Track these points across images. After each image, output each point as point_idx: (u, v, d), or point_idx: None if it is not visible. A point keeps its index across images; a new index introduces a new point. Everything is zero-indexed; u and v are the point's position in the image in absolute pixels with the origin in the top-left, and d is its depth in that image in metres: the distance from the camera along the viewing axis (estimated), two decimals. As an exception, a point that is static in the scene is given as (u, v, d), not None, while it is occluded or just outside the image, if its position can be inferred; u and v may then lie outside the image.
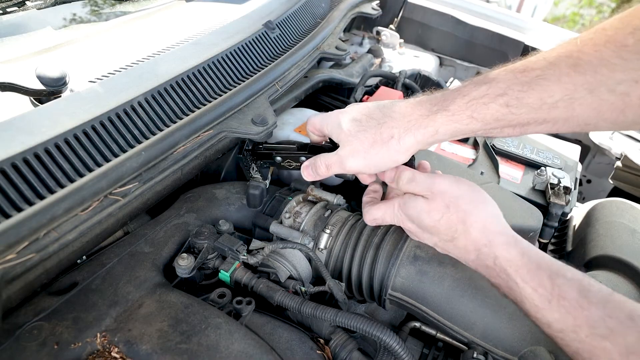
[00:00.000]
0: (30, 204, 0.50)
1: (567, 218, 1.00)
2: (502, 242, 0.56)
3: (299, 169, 0.77)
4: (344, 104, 1.15)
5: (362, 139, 0.63)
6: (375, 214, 0.67)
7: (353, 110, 0.66)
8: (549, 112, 0.54)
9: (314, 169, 0.69)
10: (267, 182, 0.82)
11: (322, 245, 0.74)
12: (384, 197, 0.73)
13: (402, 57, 1.53)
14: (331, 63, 1.24)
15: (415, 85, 1.23)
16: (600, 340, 0.45)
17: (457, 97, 0.59)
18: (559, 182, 0.90)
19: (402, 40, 1.62)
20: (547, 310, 0.49)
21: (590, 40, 0.52)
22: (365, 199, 0.72)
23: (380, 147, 0.62)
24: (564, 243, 0.97)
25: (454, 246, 0.60)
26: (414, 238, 0.67)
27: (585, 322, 0.46)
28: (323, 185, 0.97)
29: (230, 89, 0.79)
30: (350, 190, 0.96)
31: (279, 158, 0.76)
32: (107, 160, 0.59)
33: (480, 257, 0.57)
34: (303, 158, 0.74)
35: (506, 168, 0.99)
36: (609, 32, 0.51)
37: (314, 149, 0.73)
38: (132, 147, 0.62)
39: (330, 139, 0.69)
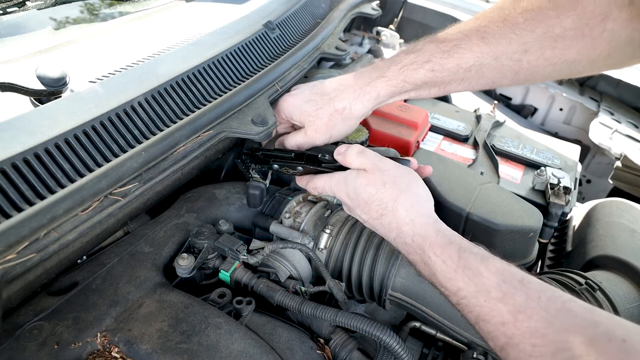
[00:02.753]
0: (31, 204, 0.50)
1: (567, 218, 1.00)
2: (422, 222, 0.63)
3: (296, 174, 0.77)
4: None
5: (321, 116, 0.75)
6: (317, 183, 0.73)
7: (304, 92, 0.79)
8: (465, 74, 0.70)
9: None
10: (267, 182, 0.83)
11: (322, 245, 0.74)
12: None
13: (402, 57, 1.53)
14: (331, 63, 1.24)
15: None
16: (496, 303, 0.51)
17: (392, 65, 0.73)
18: (559, 182, 0.90)
19: (402, 41, 1.63)
20: (454, 279, 0.55)
21: (493, 17, 0.68)
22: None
23: (337, 117, 0.75)
24: (564, 243, 0.97)
25: (380, 224, 0.66)
26: (348, 212, 0.73)
27: (484, 288, 0.52)
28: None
29: (230, 89, 0.79)
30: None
31: (276, 165, 0.77)
32: (107, 160, 0.59)
33: (400, 235, 0.63)
34: (300, 168, 0.75)
35: (506, 168, 0.99)
36: (505, 11, 0.67)
37: (310, 158, 0.75)
38: (132, 147, 0.62)
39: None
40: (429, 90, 0.74)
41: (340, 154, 0.71)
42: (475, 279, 0.54)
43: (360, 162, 0.68)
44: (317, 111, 0.75)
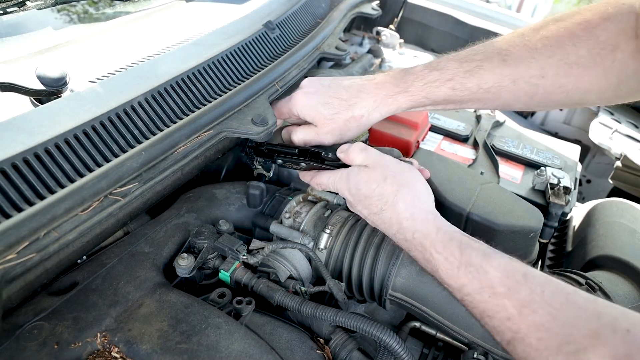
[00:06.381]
0: (31, 204, 0.50)
1: (567, 218, 1.00)
2: (422, 218, 0.63)
3: (299, 170, 0.78)
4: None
5: (337, 120, 0.74)
6: (321, 179, 0.74)
7: (319, 92, 0.76)
8: (483, 94, 0.71)
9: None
10: (271, 173, 0.83)
11: (322, 245, 0.74)
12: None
13: (402, 57, 1.53)
14: (331, 63, 1.24)
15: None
16: (500, 298, 0.51)
17: (415, 81, 0.73)
18: (559, 182, 0.90)
19: (402, 41, 1.63)
20: (457, 276, 0.56)
21: (514, 41, 0.70)
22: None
23: (353, 124, 0.75)
24: (564, 243, 0.97)
25: (380, 219, 0.66)
26: (350, 208, 0.73)
27: (487, 284, 0.53)
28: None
29: (230, 89, 0.79)
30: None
31: (280, 161, 0.78)
32: (107, 160, 0.59)
33: (400, 230, 0.64)
34: (303, 164, 0.75)
35: (506, 168, 0.99)
36: (526, 37, 0.69)
37: (313, 155, 0.75)
38: (132, 147, 0.62)
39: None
40: (446, 106, 0.76)
41: (343, 152, 0.71)
42: (478, 276, 0.54)
43: (362, 159, 0.69)
44: (333, 115, 0.74)
